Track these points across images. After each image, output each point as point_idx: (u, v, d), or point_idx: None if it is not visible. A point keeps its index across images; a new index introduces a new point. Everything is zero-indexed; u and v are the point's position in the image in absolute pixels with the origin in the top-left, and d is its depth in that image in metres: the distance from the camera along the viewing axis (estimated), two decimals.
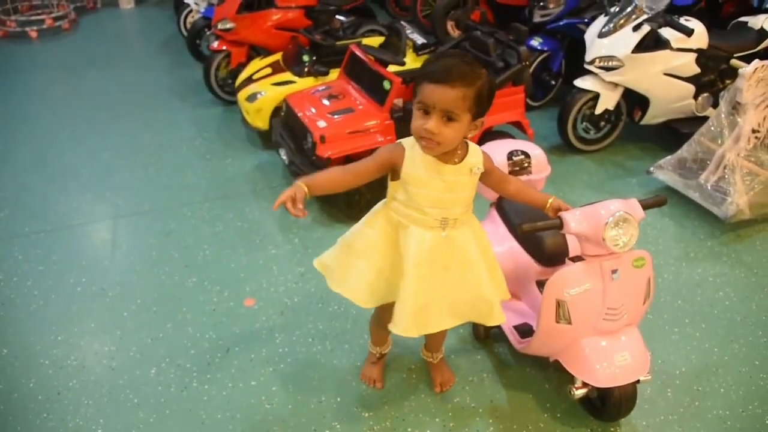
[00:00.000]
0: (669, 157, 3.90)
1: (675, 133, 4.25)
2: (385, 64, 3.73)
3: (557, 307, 2.26)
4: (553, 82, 4.88)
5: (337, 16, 5.23)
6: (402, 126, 3.49)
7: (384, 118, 3.49)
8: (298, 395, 2.59)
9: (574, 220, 2.16)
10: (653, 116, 4.24)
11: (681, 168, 3.86)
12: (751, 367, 2.74)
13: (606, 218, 2.13)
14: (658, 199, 2.31)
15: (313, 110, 3.59)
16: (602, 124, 4.30)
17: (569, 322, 2.27)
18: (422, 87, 1.84)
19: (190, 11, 6.18)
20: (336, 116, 3.52)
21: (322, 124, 3.46)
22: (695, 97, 4.21)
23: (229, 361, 2.75)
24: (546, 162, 2.78)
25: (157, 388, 2.62)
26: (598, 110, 4.13)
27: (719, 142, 3.66)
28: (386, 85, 3.50)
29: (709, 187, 3.68)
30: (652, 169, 3.92)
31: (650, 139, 4.53)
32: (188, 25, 6.18)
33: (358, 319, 2.93)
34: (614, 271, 2.23)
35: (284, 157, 3.71)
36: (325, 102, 3.66)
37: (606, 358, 2.28)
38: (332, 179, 2.05)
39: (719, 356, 2.80)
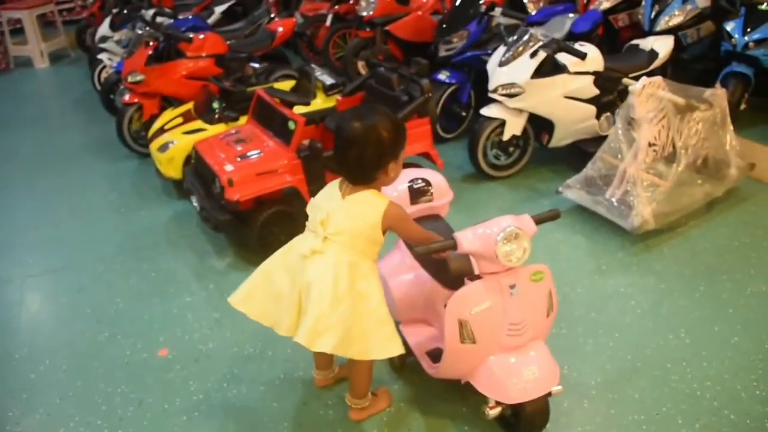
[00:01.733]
0: (576, 176, 4.04)
1: (583, 153, 4.41)
2: (291, 105, 3.78)
3: (460, 327, 2.27)
4: (464, 114, 5.01)
5: (251, 64, 5.29)
6: (309, 165, 3.52)
7: (291, 158, 3.51)
8: None
9: (466, 239, 2.20)
10: (559, 138, 4.39)
11: (588, 185, 3.99)
12: (663, 370, 2.81)
13: (497, 235, 2.17)
14: (551, 213, 2.36)
15: (221, 155, 3.59)
16: (511, 149, 4.43)
17: (474, 341, 2.28)
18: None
19: (104, 67, 6.14)
20: (243, 159, 3.52)
21: (229, 167, 3.45)
22: (597, 117, 4.39)
23: (142, 413, 2.66)
24: (447, 187, 2.83)
25: None
26: (506, 136, 4.26)
27: (619, 157, 3.81)
28: (291, 125, 3.53)
29: (615, 202, 3.82)
30: (560, 188, 4.04)
31: (561, 161, 4.68)
32: (102, 81, 6.12)
33: (274, 360, 2.90)
34: (512, 287, 2.26)
35: (196, 204, 3.68)
36: (233, 146, 3.66)
37: (514, 374, 2.29)
38: None
39: (632, 363, 2.86)
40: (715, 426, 2.51)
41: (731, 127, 4.11)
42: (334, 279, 2.16)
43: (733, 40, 4.52)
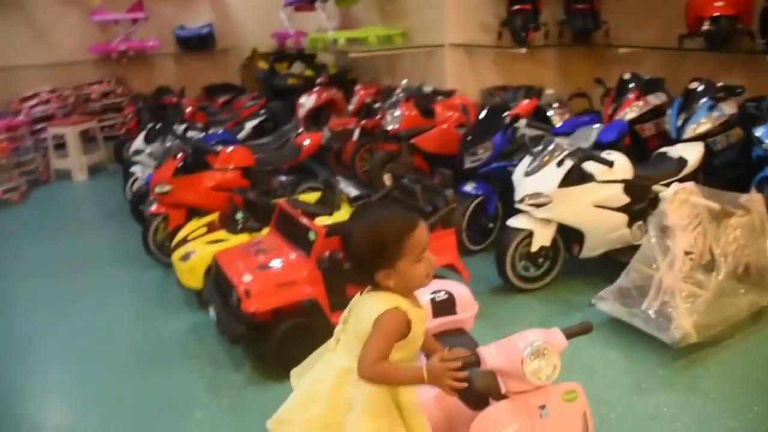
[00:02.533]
0: (609, 287, 3.85)
1: (616, 263, 4.23)
2: (313, 216, 3.74)
3: None
4: (492, 225, 4.92)
5: (279, 176, 5.35)
6: (329, 277, 3.42)
7: (311, 269, 3.42)
8: None
9: (490, 354, 2.03)
10: (591, 249, 4.24)
11: (623, 297, 3.79)
12: None
13: (524, 350, 2.01)
14: (583, 327, 2.18)
15: (240, 265, 3.53)
16: (540, 261, 4.28)
17: None
18: (413, 236, 1.93)
19: (137, 179, 6.26)
20: (262, 270, 3.45)
21: (247, 278, 3.37)
22: (629, 225, 4.25)
23: None
24: (472, 300, 2.69)
25: None
26: (534, 248, 4.13)
27: (654, 266, 3.64)
28: (311, 236, 3.47)
29: (652, 314, 3.60)
30: (594, 301, 3.85)
31: (593, 272, 4.49)
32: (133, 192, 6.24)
33: None
34: (542, 407, 2.07)
35: (213, 315, 3.58)
36: (252, 256, 3.60)
37: None
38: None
39: None
40: None
41: None
42: (319, 379, 2.05)
43: (764, 144, 4.42)
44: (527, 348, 2.00)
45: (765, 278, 3.90)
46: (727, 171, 5.08)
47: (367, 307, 1.97)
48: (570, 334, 2.12)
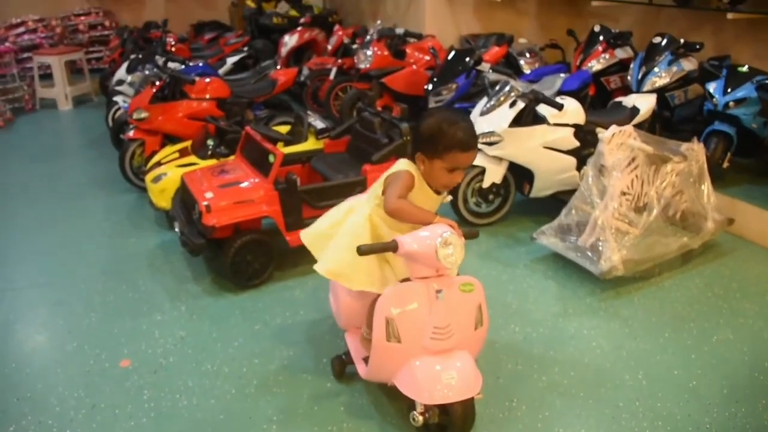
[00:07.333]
0: (551, 223, 4.11)
1: (564, 204, 4.47)
2: (275, 142, 3.96)
3: (387, 325, 2.41)
4: None
5: (256, 110, 5.55)
6: (285, 197, 3.67)
7: (268, 189, 3.67)
8: None
9: (407, 242, 2.33)
10: (540, 188, 4.48)
11: (562, 233, 4.05)
12: (615, 408, 2.81)
13: (437, 237, 2.30)
14: (472, 232, 2.51)
15: (204, 184, 3.76)
16: (491, 197, 4.53)
17: (399, 341, 2.42)
18: (453, 155, 2.39)
19: (119, 108, 6.44)
20: (223, 188, 3.69)
21: (209, 195, 3.62)
22: (578, 169, 4.48)
23: (92, 416, 2.75)
24: None
25: None
26: (485, 184, 4.37)
27: (590, 202, 3.88)
28: (271, 158, 3.70)
29: (587, 249, 3.87)
30: (534, 235, 4.11)
31: (543, 212, 4.71)
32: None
33: (229, 377, 2.99)
34: (439, 291, 2.40)
35: (177, 229, 3.84)
36: (216, 177, 3.83)
37: (435, 377, 2.39)
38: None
39: (584, 400, 2.87)
40: None
41: (709, 181, 4.18)
42: (338, 208, 2.78)
43: (714, 99, 4.64)
44: (440, 237, 2.31)
45: (699, 223, 4.16)
46: (684, 126, 5.30)
47: (392, 168, 2.54)
48: (465, 235, 2.43)
